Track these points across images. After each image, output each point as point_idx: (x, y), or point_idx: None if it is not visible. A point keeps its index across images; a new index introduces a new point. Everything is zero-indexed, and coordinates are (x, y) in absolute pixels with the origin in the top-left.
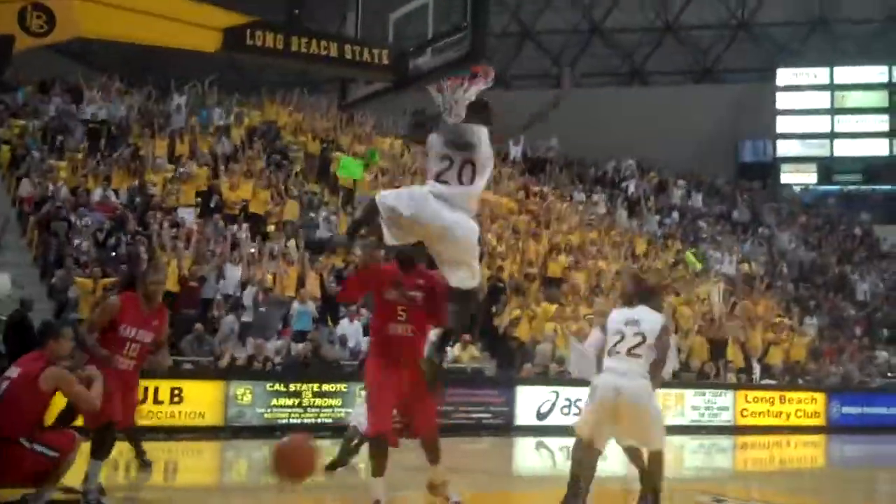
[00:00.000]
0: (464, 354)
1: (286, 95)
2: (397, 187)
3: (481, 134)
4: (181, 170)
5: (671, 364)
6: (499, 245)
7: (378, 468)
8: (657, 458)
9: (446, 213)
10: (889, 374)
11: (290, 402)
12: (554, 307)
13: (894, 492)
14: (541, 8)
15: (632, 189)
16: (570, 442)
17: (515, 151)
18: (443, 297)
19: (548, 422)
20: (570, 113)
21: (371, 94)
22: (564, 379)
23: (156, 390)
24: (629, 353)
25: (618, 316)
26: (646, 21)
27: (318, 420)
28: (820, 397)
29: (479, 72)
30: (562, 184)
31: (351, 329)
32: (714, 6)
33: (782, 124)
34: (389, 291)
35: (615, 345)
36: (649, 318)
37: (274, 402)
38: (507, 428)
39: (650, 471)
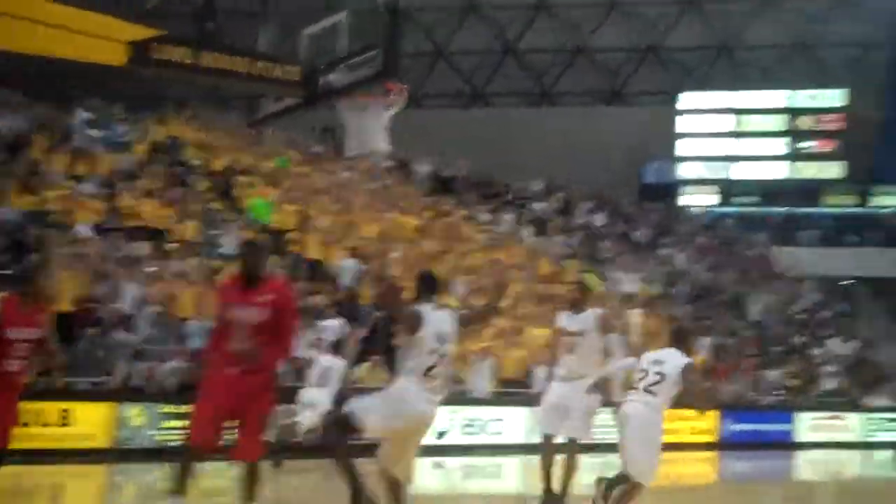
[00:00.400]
0: (370, 375)
1: (193, 111)
2: (305, 209)
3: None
4: (80, 185)
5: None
6: (401, 266)
7: (179, 485)
8: (635, 489)
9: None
10: (777, 392)
11: (182, 423)
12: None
13: None
14: (454, 28)
15: (538, 209)
16: (469, 462)
17: (422, 171)
18: (290, 316)
19: (446, 441)
20: (483, 133)
21: (281, 111)
22: (465, 399)
23: (42, 412)
24: (646, 390)
25: (648, 355)
26: (557, 43)
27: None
28: (712, 415)
29: (391, 90)
30: (468, 204)
31: None
32: (624, 30)
33: (684, 147)
34: (233, 309)
35: (638, 381)
36: (673, 360)
37: (166, 423)
38: None
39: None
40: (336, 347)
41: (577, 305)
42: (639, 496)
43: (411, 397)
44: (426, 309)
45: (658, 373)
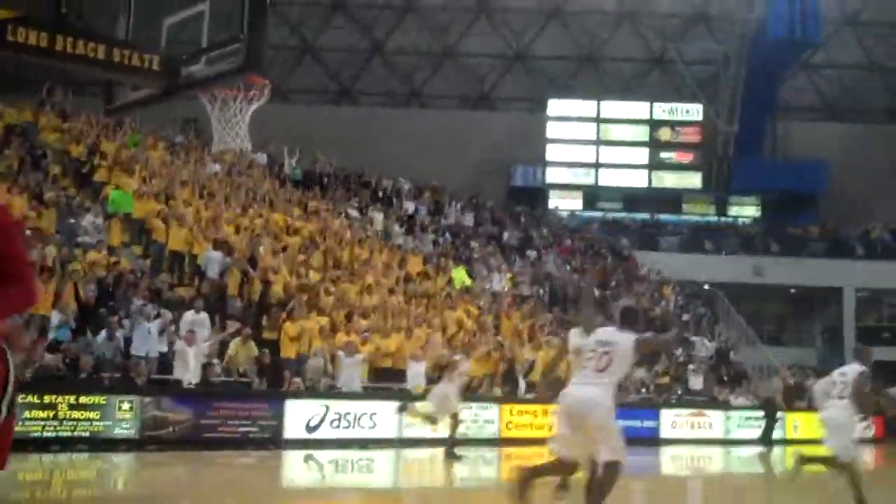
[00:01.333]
0: (240, 354)
1: (49, 95)
2: (167, 198)
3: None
4: None
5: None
6: (272, 260)
7: None
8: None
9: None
10: (643, 391)
11: (44, 414)
12: (323, 321)
13: (648, 500)
14: (321, 25)
15: (410, 208)
16: (339, 455)
17: (290, 166)
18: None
19: (317, 435)
20: (349, 130)
21: (139, 100)
22: (334, 393)
23: None
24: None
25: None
26: (426, 45)
27: (75, 433)
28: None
29: (254, 83)
30: (337, 200)
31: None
32: (491, 37)
33: (552, 152)
34: None
35: (587, 361)
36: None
37: (27, 414)
38: (275, 441)
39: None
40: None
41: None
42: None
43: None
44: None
45: (606, 353)
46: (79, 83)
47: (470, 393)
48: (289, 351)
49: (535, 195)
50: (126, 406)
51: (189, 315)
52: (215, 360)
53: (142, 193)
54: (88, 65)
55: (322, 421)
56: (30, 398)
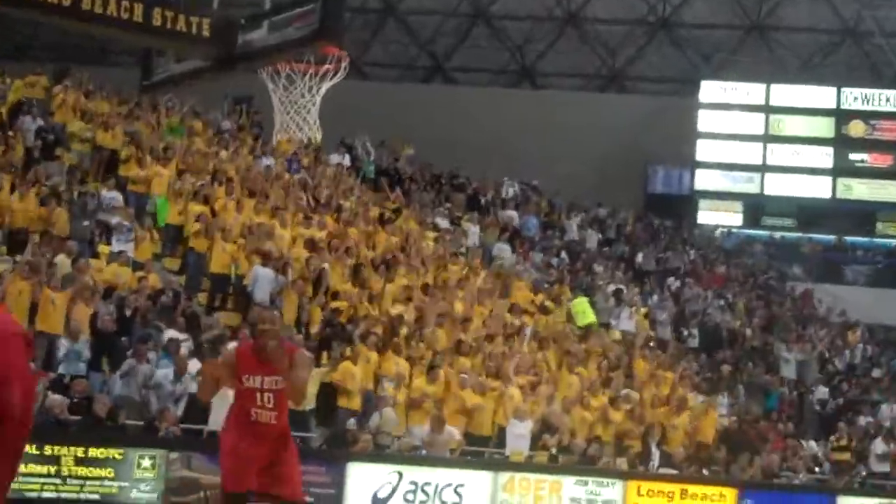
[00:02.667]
0: None
1: (68, 67)
2: (207, 200)
3: None
4: None
5: None
6: (341, 282)
7: None
8: None
9: None
10: (817, 470)
11: (43, 469)
12: (402, 363)
13: None
14: None
15: (514, 219)
16: None
17: (364, 159)
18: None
19: None
20: (441, 115)
21: (184, 75)
22: (411, 457)
23: None
24: None
25: None
26: (542, 9)
27: (81, 495)
28: (730, 493)
29: (329, 55)
30: (423, 205)
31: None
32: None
33: (704, 150)
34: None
35: None
36: None
37: (22, 468)
38: None
39: None
40: None
41: None
42: None
43: None
44: None
45: None
46: (106, 52)
47: (583, 463)
48: (354, 399)
49: (680, 206)
50: (147, 463)
51: (231, 345)
52: None
53: (178, 193)
54: (122, 28)
55: (393, 492)
56: (27, 449)
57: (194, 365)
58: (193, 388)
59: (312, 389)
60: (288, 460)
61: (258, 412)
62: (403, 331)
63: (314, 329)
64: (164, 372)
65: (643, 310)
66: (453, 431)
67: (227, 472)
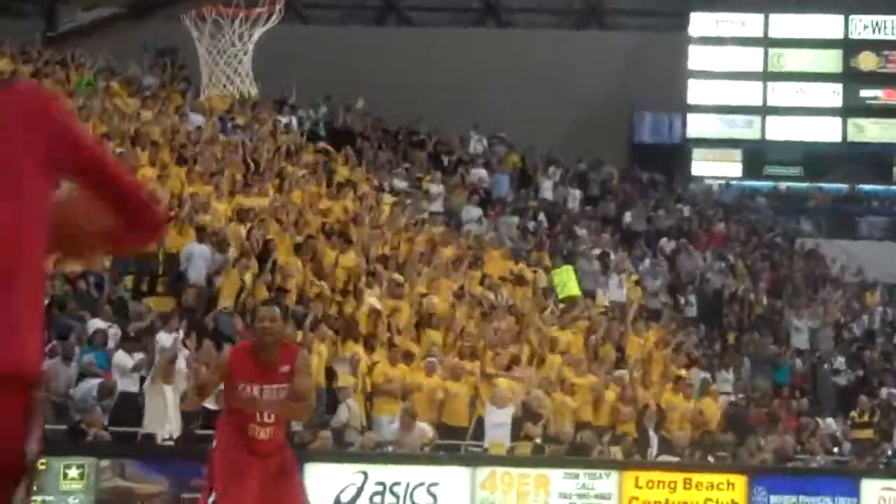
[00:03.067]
0: None
1: None
2: (120, 157)
3: None
4: None
5: None
6: (288, 257)
7: None
8: None
9: None
10: (836, 450)
11: None
12: (360, 350)
13: None
14: None
15: (484, 178)
16: None
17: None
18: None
19: None
20: (397, 62)
21: (96, 24)
22: (377, 455)
23: None
24: None
25: None
26: None
27: None
28: (739, 481)
29: None
30: (377, 166)
31: None
32: None
33: (696, 92)
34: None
35: None
36: None
37: None
38: None
39: None
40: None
41: None
42: None
43: None
44: None
45: None
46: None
47: (573, 453)
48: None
49: (672, 157)
50: (74, 473)
51: (163, 338)
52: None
53: None
54: None
55: (359, 494)
56: None
57: (122, 359)
58: (124, 385)
59: None
60: (291, 476)
61: (256, 428)
62: (362, 311)
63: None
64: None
65: (633, 276)
66: (425, 428)
67: (222, 499)
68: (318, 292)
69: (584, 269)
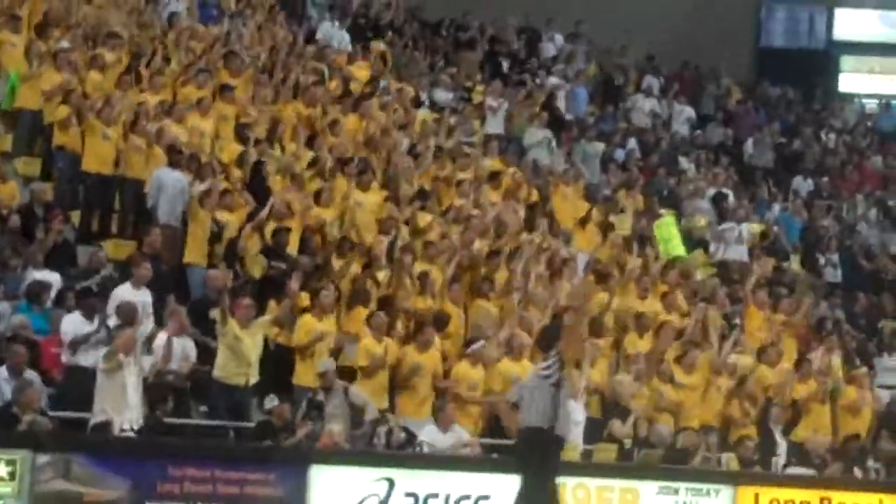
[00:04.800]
0: None
1: None
2: (63, 55)
3: None
4: None
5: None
6: (287, 191)
7: None
8: None
9: None
10: None
11: None
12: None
13: None
14: None
15: (559, 89)
16: None
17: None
18: None
19: None
20: None
21: None
22: (405, 456)
23: None
24: None
25: None
26: None
27: None
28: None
29: None
30: (415, 73)
31: None
32: None
33: None
34: None
35: None
36: None
37: None
38: None
39: None
40: None
41: None
42: None
43: None
44: None
45: None
46: None
47: (671, 461)
48: (307, 373)
49: (813, 67)
50: (2, 470)
51: (122, 293)
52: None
53: (40, 56)
54: None
55: None
56: None
57: (71, 322)
58: (71, 356)
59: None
60: None
61: None
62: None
63: (254, 268)
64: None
65: (758, 227)
66: (461, 433)
67: None
68: (324, 240)
69: (690, 216)
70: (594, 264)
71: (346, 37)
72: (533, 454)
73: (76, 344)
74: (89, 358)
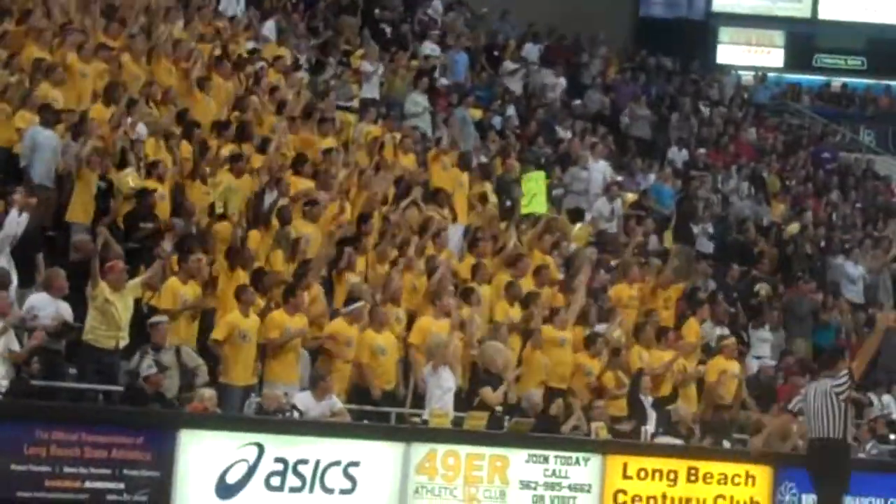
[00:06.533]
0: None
1: None
2: None
3: None
4: None
5: None
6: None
7: None
8: None
9: None
10: (893, 438)
11: None
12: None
13: None
14: None
15: (436, 54)
16: None
17: None
18: None
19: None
20: None
21: None
22: (275, 422)
23: None
24: None
25: None
26: None
27: None
28: (762, 473)
29: None
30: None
31: None
32: None
33: None
34: None
35: None
36: None
37: None
38: None
39: None
40: None
41: None
42: None
43: None
44: None
45: None
46: None
47: (540, 429)
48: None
49: (690, 38)
50: None
51: None
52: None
53: None
54: None
55: (251, 474)
56: None
57: None
58: None
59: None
60: None
61: None
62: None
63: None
64: None
65: (630, 196)
66: (334, 401)
67: None
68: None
69: (564, 183)
70: (473, 234)
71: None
72: (826, 465)
73: None
74: None
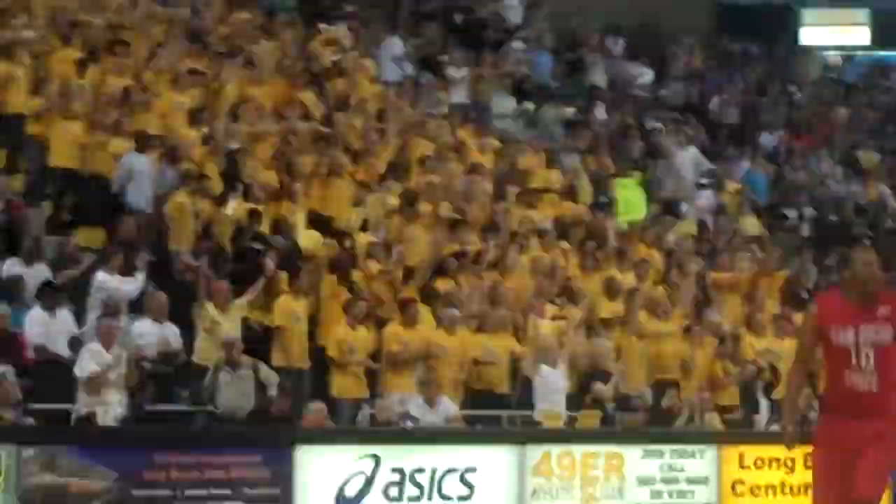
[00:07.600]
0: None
1: None
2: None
3: None
4: None
5: None
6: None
7: None
8: None
9: None
10: None
11: None
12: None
13: None
14: None
15: (520, 52)
16: None
17: None
18: None
19: None
20: None
21: None
22: (389, 431)
23: None
24: None
25: None
26: None
27: None
28: None
29: None
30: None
31: None
32: None
33: None
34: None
35: None
36: None
37: None
38: None
39: None
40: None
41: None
42: None
43: None
44: None
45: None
46: None
47: (654, 423)
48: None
49: (771, 22)
50: None
51: (102, 279)
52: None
53: None
54: None
55: (369, 485)
56: None
57: (39, 315)
58: (48, 345)
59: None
60: (885, 442)
61: (851, 376)
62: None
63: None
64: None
65: (731, 185)
66: (448, 406)
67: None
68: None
69: (658, 178)
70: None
71: None
72: None
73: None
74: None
